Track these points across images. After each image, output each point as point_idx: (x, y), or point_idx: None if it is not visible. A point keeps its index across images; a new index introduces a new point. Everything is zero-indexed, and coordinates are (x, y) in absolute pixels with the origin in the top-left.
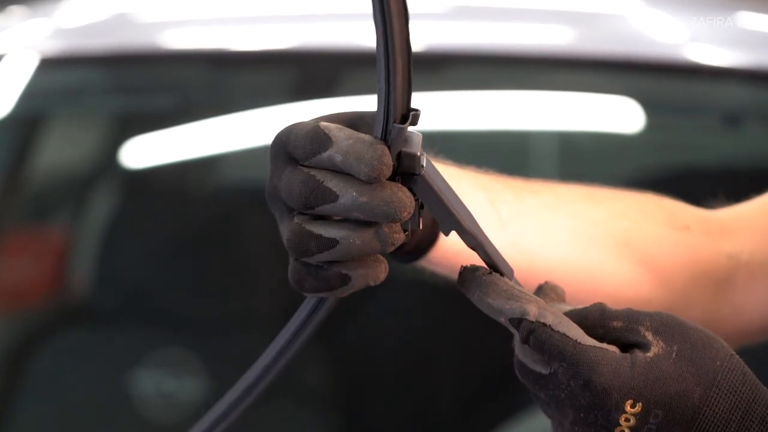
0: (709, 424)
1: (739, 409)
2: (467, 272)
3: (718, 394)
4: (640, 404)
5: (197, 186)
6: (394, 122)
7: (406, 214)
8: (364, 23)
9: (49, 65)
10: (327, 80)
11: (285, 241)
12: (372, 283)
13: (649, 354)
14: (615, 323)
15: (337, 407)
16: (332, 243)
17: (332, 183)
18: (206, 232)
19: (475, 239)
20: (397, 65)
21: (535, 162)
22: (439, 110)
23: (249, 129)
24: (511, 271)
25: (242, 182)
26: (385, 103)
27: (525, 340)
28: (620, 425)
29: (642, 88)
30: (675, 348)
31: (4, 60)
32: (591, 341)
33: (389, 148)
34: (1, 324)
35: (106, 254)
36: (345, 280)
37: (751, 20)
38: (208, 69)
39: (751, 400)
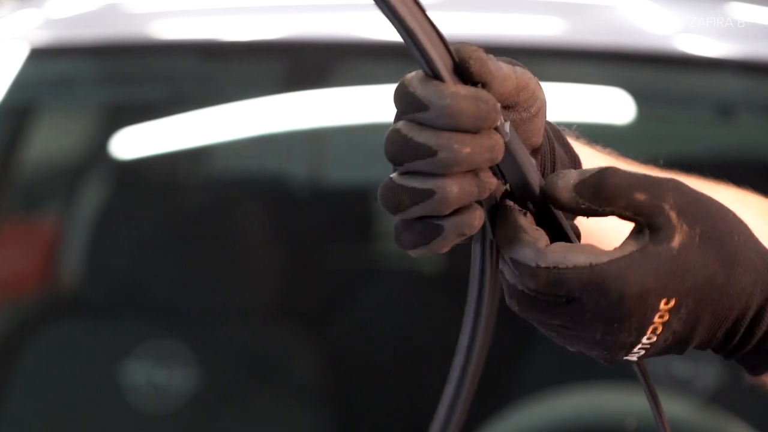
0: (734, 301)
1: (758, 281)
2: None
3: (740, 271)
4: (674, 299)
5: (188, 177)
6: None
7: (501, 154)
8: (355, 13)
9: (39, 56)
10: (318, 71)
11: (378, 198)
12: (467, 232)
13: (674, 245)
14: (638, 196)
15: (327, 399)
16: (428, 194)
17: (423, 137)
18: (197, 223)
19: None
20: (418, 35)
21: None
22: None
23: (240, 120)
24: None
25: (233, 173)
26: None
27: (535, 288)
28: (654, 323)
29: (634, 79)
30: (698, 230)
31: None
32: (606, 255)
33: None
34: None
35: (96, 245)
36: (438, 230)
37: (742, 11)
38: (198, 60)
39: (764, 270)
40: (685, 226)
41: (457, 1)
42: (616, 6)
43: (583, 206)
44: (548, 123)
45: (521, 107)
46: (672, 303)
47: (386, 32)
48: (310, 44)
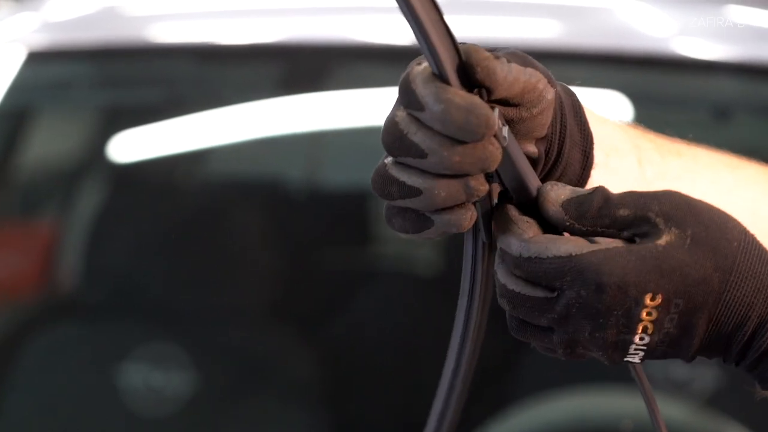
0: (731, 309)
1: (761, 291)
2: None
3: (738, 278)
4: (660, 295)
5: (185, 180)
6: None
7: (495, 165)
8: (351, 17)
9: (36, 59)
10: (315, 74)
11: (371, 182)
12: (455, 230)
13: (661, 242)
14: (622, 212)
15: (325, 401)
16: (414, 192)
17: (418, 137)
18: (194, 226)
19: None
20: (428, 30)
21: None
22: None
23: (237, 123)
24: None
25: (230, 176)
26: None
27: (516, 275)
28: (642, 320)
29: (631, 81)
30: (689, 232)
31: None
32: (588, 247)
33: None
34: None
35: (93, 248)
36: (428, 223)
37: (739, 13)
38: (195, 63)
39: None
40: (674, 228)
41: (454, 4)
42: (613, 9)
43: (567, 224)
44: (568, 97)
45: (524, 107)
46: (658, 300)
47: (383, 35)
48: (307, 47)
